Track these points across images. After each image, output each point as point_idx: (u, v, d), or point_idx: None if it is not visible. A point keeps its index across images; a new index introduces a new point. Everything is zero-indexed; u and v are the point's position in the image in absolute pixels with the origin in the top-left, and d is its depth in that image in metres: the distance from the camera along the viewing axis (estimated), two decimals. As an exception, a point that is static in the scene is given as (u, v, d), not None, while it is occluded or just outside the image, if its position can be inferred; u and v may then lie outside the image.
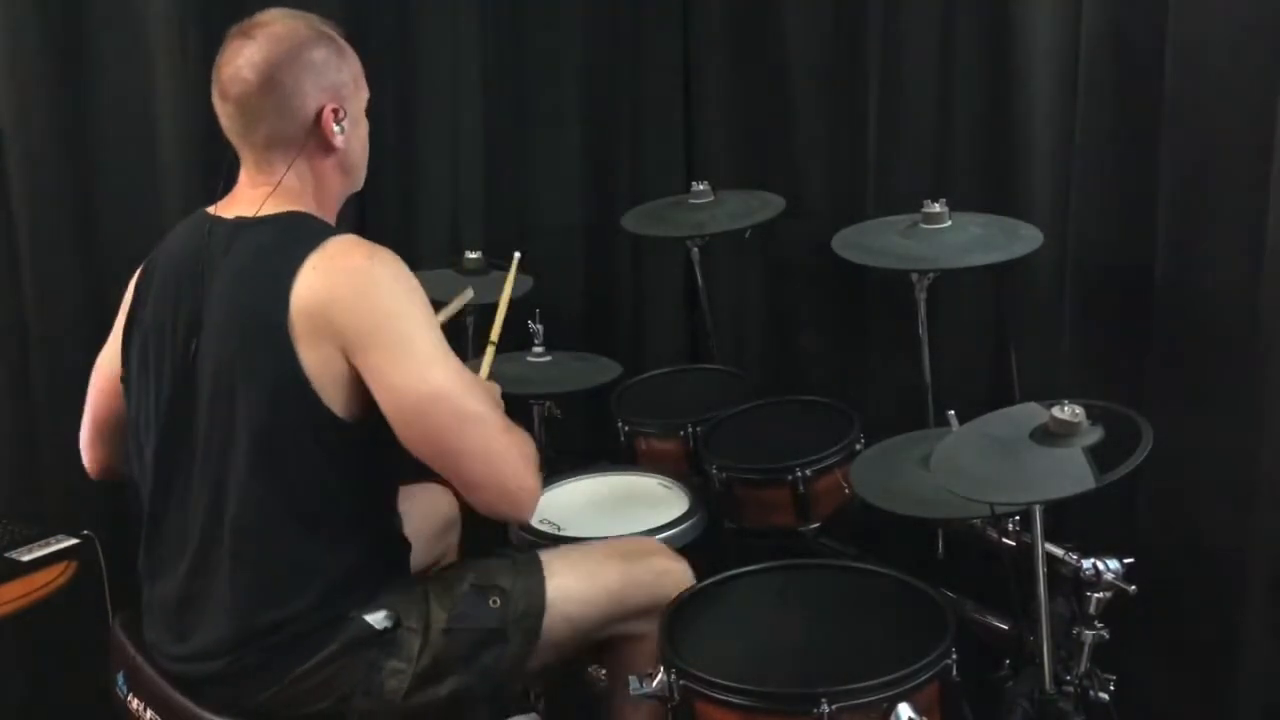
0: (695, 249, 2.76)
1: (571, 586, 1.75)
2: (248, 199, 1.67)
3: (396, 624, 1.65)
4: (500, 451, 1.62)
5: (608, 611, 1.77)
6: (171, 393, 1.64)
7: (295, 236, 1.62)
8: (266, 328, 1.55)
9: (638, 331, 3.23)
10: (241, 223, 1.65)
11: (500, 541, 2.13)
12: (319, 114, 1.66)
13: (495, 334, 2.07)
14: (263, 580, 1.60)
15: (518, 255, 2.21)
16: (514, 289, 2.15)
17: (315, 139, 1.67)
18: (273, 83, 1.63)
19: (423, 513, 1.98)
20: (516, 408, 2.52)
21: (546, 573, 1.75)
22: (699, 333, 3.07)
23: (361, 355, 1.56)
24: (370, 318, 1.56)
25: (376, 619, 1.64)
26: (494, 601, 1.70)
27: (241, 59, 1.63)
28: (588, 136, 3.15)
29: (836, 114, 2.79)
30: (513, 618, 1.70)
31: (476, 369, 1.95)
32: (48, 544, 2.20)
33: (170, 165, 2.52)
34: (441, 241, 2.96)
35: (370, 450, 1.62)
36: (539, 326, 2.58)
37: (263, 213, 1.65)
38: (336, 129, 1.67)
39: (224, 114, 1.68)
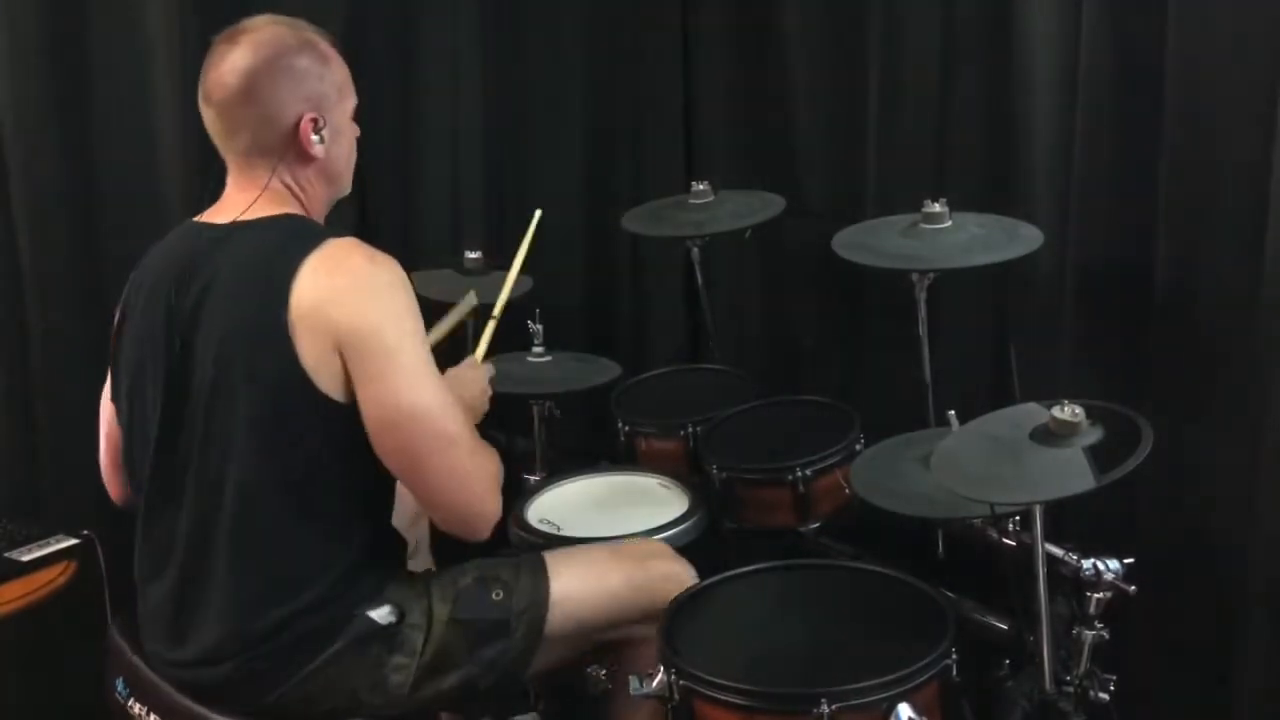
0: (695, 249, 2.76)
1: (575, 586, 1.76)
2: (235, 204, 1.68)
3: (400, 619, 1.66)
4: (466, 475, 1.63)
5: (611, 613, 1.78)
6: (166, 397, 1.64)
7: (294, 237, 1.62)
8: (267, 325, 1.56)
9: (638, 331, 3.23)
10: (237, 225, 1.65)
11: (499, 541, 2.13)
12: (297, 123, 1.66)
13: (499, 308, 2.06)
14: (266, 579, 1.61)
15: (539, 213, 2.14)
16: (513, 290, 2.13)
17: (294, 149, 1.67)
18: (252, 91, 1.63)
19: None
20: (516, 408, 2.53)
21: (550, 573, 1.77)
22: (699, 333, 3.06)
23: (351, 357, 1.57)
24: (362, 323, 1.57)
25: (381, 614, 1.65)
26: (497, 594, 1.72)
27: (225, 65, 1.64)
28: (588, 137, 3.15)
29: (836, 114, 2.79)
30: (516, 611, 1.71)
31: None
32: (48, 544, 2.20)
33: (170, 165, 2.52)
34: (441, 241, 2.96)
35: (367, 439, 1.62)
36: (539, 326, 2.58)
37: (254, 215, 1.65)
38: (315, 139, 1.67)
39: (207, 119, 1.68)
